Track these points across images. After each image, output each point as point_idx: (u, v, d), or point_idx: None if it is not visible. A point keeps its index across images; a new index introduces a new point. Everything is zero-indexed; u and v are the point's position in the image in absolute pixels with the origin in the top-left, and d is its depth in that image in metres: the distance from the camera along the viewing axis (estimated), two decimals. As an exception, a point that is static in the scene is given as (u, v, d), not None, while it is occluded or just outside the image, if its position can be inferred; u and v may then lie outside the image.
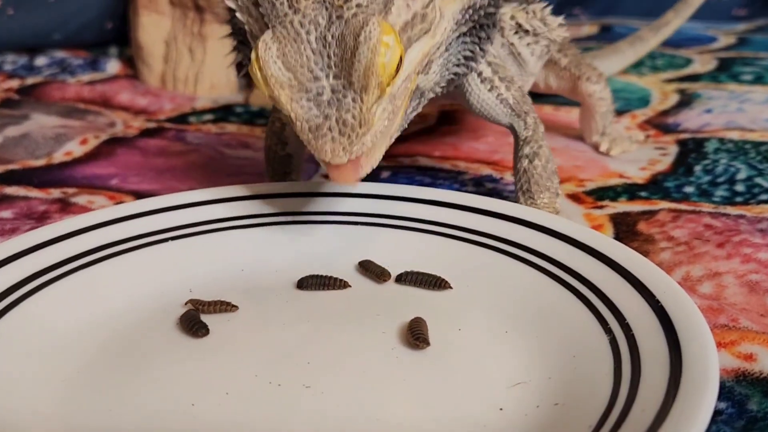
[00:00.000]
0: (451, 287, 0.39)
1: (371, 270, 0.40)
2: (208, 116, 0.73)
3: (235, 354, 0.34)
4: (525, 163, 0.46)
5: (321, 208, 0.44)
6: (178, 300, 0.38)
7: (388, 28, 0.35)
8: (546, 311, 0.36)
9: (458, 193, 0.44)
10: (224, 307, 0.37)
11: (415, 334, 0.34)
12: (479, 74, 0.46)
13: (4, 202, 0.52)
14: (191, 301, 0.38)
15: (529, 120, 0.47)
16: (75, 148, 0.62)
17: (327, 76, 0.35)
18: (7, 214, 0.50)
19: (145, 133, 0.67)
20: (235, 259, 0.41)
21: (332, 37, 0.35)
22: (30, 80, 0.83)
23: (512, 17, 0.50)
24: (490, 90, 0.46)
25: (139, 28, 0.85)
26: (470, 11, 0.40)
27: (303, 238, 0.43)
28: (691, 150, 0.61)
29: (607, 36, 1.08)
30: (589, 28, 1.13)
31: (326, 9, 0.35)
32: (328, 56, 0.35)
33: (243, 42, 0.41)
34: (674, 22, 0.85)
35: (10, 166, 0.59)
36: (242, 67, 0.43)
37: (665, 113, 0.71)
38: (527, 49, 0.52)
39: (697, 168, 0.57)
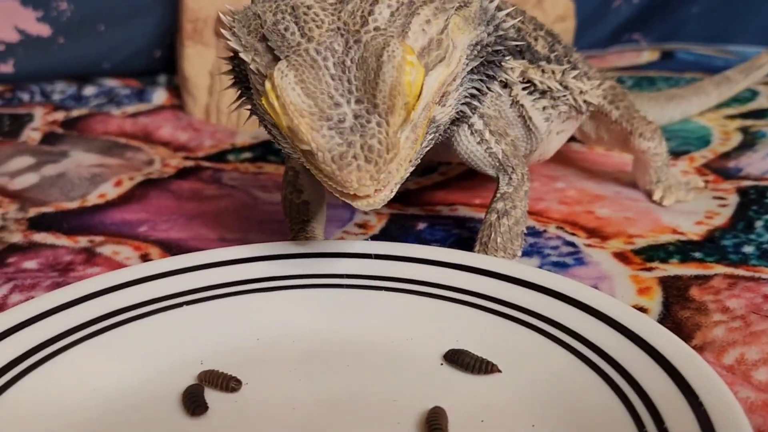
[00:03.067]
0: (499, 371, 0.36)
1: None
2: (247, 154, 0.71)
3: (239, 442, 0.32)
4: (494, 217, 0.45)
5: (345, 270, 0.42)
6: (187, 372, 0.36)
7: (410, 48, 0.34)
8: (578, 402, 0.33)
9: (490, 258, 0.41)
10: (227, 383, 0.35)
11: (434, 428, 0.32)
12: (470, 126, 0.45)
13: (31, 250, 0.51)
14: (200, 375, 0.36)
15: (514, 176, 0.46)
16: (109, 190, 0.61)
17: (348, 102, 0.33)
18: (32, 264, 0.49)
19: (182, 173, 0.66)
20: (250, 327, 0.39)
21: (351, 61, 0.34)
22: (75, 112, 0.83)
23: (522, 73, 0.47)
24: (479, 143, 0.45)
25: (185, 60, 0.85)
26: (478, 47, 0.39)
27: (324, 304, 0.40)
28: (753, 201, 0.57)
29: (669, 63, 1.04)
30: (649, 54, 1.08)
31: (341, 35, 0.34)
32: (348, 81, 0.34)
33: (248, 87, 0.40)
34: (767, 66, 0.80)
35: (43, 209, 0.58)
36: (252, 113, 0.42)
37: (726, 156, 0.66)
38: (541, 114, 0.49)
39: (759, 224, 0.53)
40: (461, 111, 0.41)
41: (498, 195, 0.46)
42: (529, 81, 0.47)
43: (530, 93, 0.48)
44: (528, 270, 0.40)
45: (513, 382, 0.35)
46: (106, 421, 0.33)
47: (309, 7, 0.35)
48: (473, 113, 0.42)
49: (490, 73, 0.41)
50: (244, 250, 0.43)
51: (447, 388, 0.35)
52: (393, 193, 0.35)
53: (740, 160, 0.65)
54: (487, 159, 0.46)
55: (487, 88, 0.42)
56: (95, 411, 0.34)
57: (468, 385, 0.35)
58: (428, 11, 0.36)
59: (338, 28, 0.34)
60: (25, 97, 0.87)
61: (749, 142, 0.69)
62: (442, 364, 0.37)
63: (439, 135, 0.40)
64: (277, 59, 0.35)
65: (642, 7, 1.15)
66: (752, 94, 0.84)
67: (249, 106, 0.42)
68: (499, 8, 0.42)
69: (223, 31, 0.38)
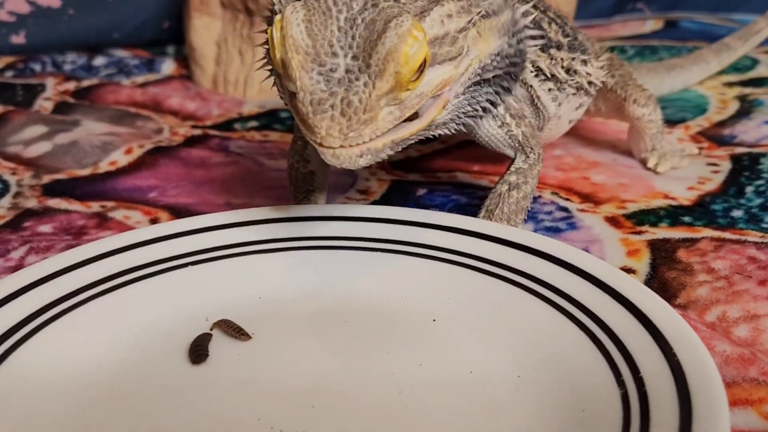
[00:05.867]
0: None
1: None
2: (253, 123, 0.73)
3: (242, 392, 0.34)
4: (504, 188, 0.46)
5: (341, 232, 0.44)
6: (192, 327, 0.38)
7: (421, 27, 0.35)
8: (561, 356, 0.35)
9: (481, 221, 0.43)
10: (237, 333, 0.37)
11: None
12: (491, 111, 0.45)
13: (46, 215, 0.53)
14: (215, 323, 0.38)
15: (531, 155, 0.47)
16: (120, 158, 0.63)
17: (345, 56, 0.34)
18: (46, 228, 0.52)
19: (190, 141, 0.67)
20: (253, 285, 0.41)
21: (362, 20, 0.34)
22: (86, 82, 0.84)
23: (533, 62, 0.48)
24: (500, 126, 0.46)
25: (192, 30, 0.86)
26: (498, 57, 0.40)
27: (323, 265, 0.42)
28: (746, 167, 0.58)
29: (673, 33, 1.04)
30: (653, 24, 1.09)
31: None
32: (353, 37, 0.34)
33: None
34: (765, 30, 0.80)
35: (57, 176, 0.60)
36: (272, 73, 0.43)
37: (722, 124, 0.68)
38: (548, 95, 0.50)
39: (749, 189, 0.54)
40: (465, 122, 0.42)
41: (512, 169, 0.47)
42: (537, 67, 0.49)
43: (536, 76, 0.49)
44: (518, 232, 0.41)
45: (500, 336, 0.37)
46: (113, 369, 0.36)
47: None
48: (495, 108, 0.44)
49: (505, 84, 0.42)
50: (247, 214, 0.44)
51: (438, 342, 0.37)
52: (364, 161, 0.35)
53: (735, 128, 0.66)
54: (508, 141, 0.47)
55: (501, 100, 0.43)
56: (105, 360, 0.36)
57: (457, 339, 0.37)
58: (453, 6, 0.37)
59: None
60: (37, 67, 0.89)
61: (746, 110, 0.70)
62: (434, 320, 0.39)
63: (428, 133, 0.41)
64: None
65: (646, -24, 1.16)
66: (752, 63, 0.84)
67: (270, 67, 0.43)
68: (536, 23, 0.42)
69: None
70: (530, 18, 0.42)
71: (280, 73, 0.36)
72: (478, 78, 0.40)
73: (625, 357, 0.33)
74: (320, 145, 0.34)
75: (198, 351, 0.36)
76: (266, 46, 0.43)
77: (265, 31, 0.43)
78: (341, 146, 0.34)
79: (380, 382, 0.34)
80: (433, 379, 0.35)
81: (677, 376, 0.30)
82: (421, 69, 0.35)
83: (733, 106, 0.71)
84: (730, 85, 0.78)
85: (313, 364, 0.36)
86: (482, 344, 0.37)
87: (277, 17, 0.35)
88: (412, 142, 0.40)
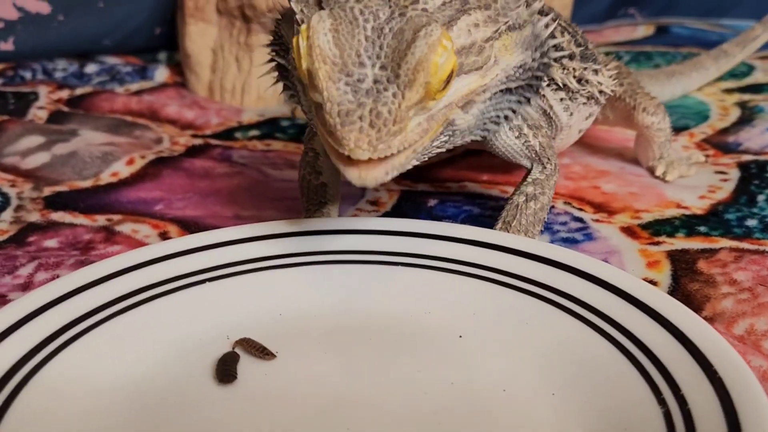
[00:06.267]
0: None
1: None
2: (255, 132, 0.72)
3: (273, 413, 0.33)
4: (521, 199, 0.46)
5: (360, 246, 0.43)
6: (214, 346, 0.37)
7: (449, 37, 0.34)
8: (597, 373, 0.34)
9: (501, 234, 0.42)
10: (261, 352, 0.37)
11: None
12: (508, 121, 0.45)
13: (50, 229, 0.52)
14: (237, 342, 0.37)
15: (548, 166, 0.47)
16: (122, 169, 0.62)
17: (373, 66, 0.33)
18: (52, 243, 0.50)
19: (191, 151, 0.66)
20: (273, 302, 0.40)
21: (390, 30, 0.34)
22: (79, 90, 0.83)
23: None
24: (518, 137, 0.46)
25: (187, 37, 0.85)
26: (521, 70, 0.40)
27: (343, 280, 0.41)
28: (754, 175, 0.58)
29: (665, 38, 1.05)
30: (645, 29, 1.09)
31: (389, 7, 0.35)
32: (380, 47, 0.34)
33: (286, 51, 0.41)
34: (762, 36, 0.80)
35: (58, 188, 0.59)
36: (281, 78, 0.43)
37: (725, 131, 0.68)
38: (560, 104, 0.50)
39: (761, 198, 0.54)
40: (488, 128, 0.42)
41: (529, 180, 0.47)
42: (550, 77, 0.48)
43: (548, 85, 0.48)
44: (542, 246, 0.41)
45: (530, 353, 0.36)
46: (135, 389, 0.35)
47: None
48: (510, 122, 0.43)
49: (528, 95, 0.42)
50: (263, 228, 0.43)
51: (466, 360, 0.36)
52: (389, 177, 0.35)
53: (739, 135, 0.66)
54: (524, 151, 0.46)
55: (522, 109, 0.42)
56: (125, 380, 0.35)
57: (486, 357, 0.36)
58: (480, 16, 0.37)
59: (389, 0, 0.35)
60: (27, 75, 0.88)
61: (747, 117, 0.70)
62: (460, 337, 0.38)
63: (451, 144, 0.40)
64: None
65: (637, -19, 1.16)
66: (749, 69, 0.85)
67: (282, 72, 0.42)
68: (552, 36, 0.42)
69: None
70: (550, 30, 0.41)
71: (305, 84, 0.36)
72: (504, 87, 0.40)
73: (663, 374, 0.32)
74: (348, 161, 0.34)
75: (226, 371, 0.35)
76: (271, 48, 0.43)
77: (271, 33, 0.43)
78: (369, 159, 0.33)
79: (414, 402, 0.34)
80: (467, 398, 0.34)
81: (721, 395, 0.30)
82: (449, 79, 0.35)
83: (735, 113, 0.72)
84: (729, 91, 0.78)
85: (343, 384, 0.35)
86: (512, 361, 0.36)
87: (303, 26, 0.35)
88: (434, 154, 0.39)
